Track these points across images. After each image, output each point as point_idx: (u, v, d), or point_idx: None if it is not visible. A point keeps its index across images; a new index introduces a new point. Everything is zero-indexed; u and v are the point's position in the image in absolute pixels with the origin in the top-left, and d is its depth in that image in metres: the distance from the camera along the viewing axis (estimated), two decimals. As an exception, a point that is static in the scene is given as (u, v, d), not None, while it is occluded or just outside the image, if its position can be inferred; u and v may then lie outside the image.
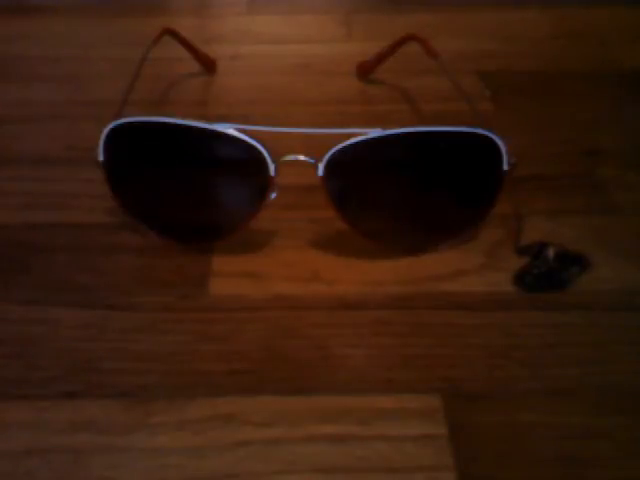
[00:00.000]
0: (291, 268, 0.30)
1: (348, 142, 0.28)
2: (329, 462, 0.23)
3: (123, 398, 0.25)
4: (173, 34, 0.42)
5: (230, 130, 0.28)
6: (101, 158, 0.30)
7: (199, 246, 0.31)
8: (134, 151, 0.30)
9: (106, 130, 0.29)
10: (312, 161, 0.29)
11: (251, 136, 0.28)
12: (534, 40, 0.47)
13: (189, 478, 0.23)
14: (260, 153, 0.28)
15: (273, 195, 0.29)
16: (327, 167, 0.29)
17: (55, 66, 0.45)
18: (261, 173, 0.28)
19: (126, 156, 0.30)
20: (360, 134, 0.28)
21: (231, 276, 0.29)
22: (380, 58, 0.42)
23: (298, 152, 0.29)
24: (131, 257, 0.30)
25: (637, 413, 0.24)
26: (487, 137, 0.29)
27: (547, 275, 0.29)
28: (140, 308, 0.28)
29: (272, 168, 0.28)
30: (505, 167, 0.29)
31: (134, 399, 0.25)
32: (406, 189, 0.30)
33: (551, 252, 0.29)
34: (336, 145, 0.28)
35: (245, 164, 0.29)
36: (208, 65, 0.44)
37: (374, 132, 0.28)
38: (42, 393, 0.25)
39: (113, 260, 0.30)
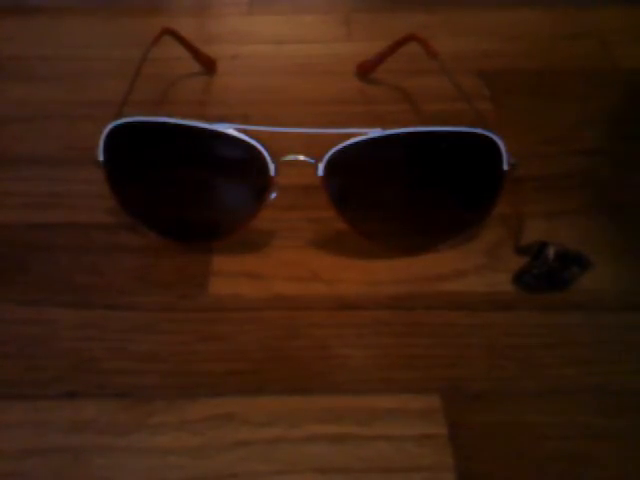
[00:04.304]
0: (291, 268, 0.30)
1: (348, 142, 0.28)
2: (329, 462, 0.23)
3: (123, 398, 0.25)
4: (173, 34, 0.42)
5: (230, 130, 0.28)
6: (101, 158, 0.30)
7: (199, 246, 0.31)
8: (134, 151, 0.30)
9: (106, 130, 0.29)
10: (312, 161, 0.29)
11: (251, 136, 0.28)
12: (534, 40, 0.47)
13: (189, 478, 0.23)
14: (260, 153, 0.28)
15: (273, 195, 0.29)
16: (327, 167, 0.29)
17: (55, 66, 0.45)
18: (261, 173, 0.28)
19: (126, 156, 0.30)
20: (360, 134, 0.28)
21: (231, 276, 0.29)
22: (380, 58, 0.42)
23: (298, 152, 0.29)
24: (131, 257, 0.30)
25: (637, 413, 0.24)
26: (487, 137, 0.29)
27: (547, 275, 0.29)
28: (140, 308, 0.28)
29: (272, 168, 0.28)
30: (505, 167, 0.29)
31: (134, 399, 0.25)
32: (406, 189, 0.30)
33: (551, 252, 0.29)
34: (336, 145, 0.28)
35: (245, 164, 0.29)
36: (208, 65, 0.44)
37: (374, 132, 0.28)
38: (42, 393, 0.25)
39: (113, 260, 0.30)
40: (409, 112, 0.40)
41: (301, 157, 0.29)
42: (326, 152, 0.28)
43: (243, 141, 0.28)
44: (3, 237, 0.31)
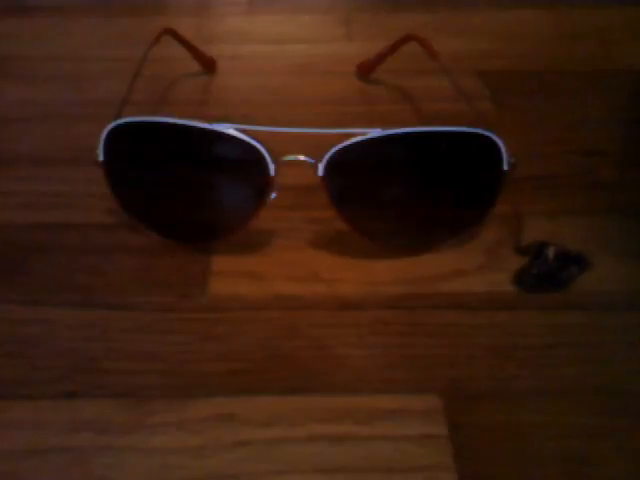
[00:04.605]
0: (291, 268, 0.30)
1: (348, 142, 0.28)
2: (329, 462, 0.23)
3: (123, 398, 0.25)
4: (173, 34, 0.42)
5: (230, 130, 0.28)
6: (101, 158, 0.30)
7: (199, 246, 0.31)
8: (134, 151, 0.30)
9: (106, 130, 0.29)
10: (312, 161, 0.29)
11: (251, 136, 0.28)
12: (534, 40, 0.47)
13: (189, 478, 0.23)
14: (260, 153, 0.28)
15: (273, 195, 0.29)
16: (327, 167, 0.29)
17: (55, 66, 0.45)
18: (261, 173, 0.28)
19: (126, 156, 0.30)
20: (360, 134, 0.28)
21: (231, 276, 0.29)
22: (380, 58, 0.42)
23: (298, 152, 0.29)
24: (131, 257, 0.30)
25: (637, 413, 0.24)
26: (487, 137, 0.29)
27: (547, 275, 0.29)
28: (140, 308, 0.28)
29: (272, 168, 0.28)
30: (505, 167, 0.29)
31: (134, 399, 0.25)
32: (406, 189, 0.30)
33: (551, 252, 0.29)
34: (336, 145, 0.28)
35: (245, 164, 0.29)
36: (208, 65, 0.44)
37: (374, 132, 0.28)
38: (42, 393, 0.25)
39: (113, 260, 0.30)
40: (409, 112, 0.40)
41: (301, 157, 0.29)
42: (326, 152, 0.28)
43: (243, 141, 0.28)
44: (3, 237, 0.31)
